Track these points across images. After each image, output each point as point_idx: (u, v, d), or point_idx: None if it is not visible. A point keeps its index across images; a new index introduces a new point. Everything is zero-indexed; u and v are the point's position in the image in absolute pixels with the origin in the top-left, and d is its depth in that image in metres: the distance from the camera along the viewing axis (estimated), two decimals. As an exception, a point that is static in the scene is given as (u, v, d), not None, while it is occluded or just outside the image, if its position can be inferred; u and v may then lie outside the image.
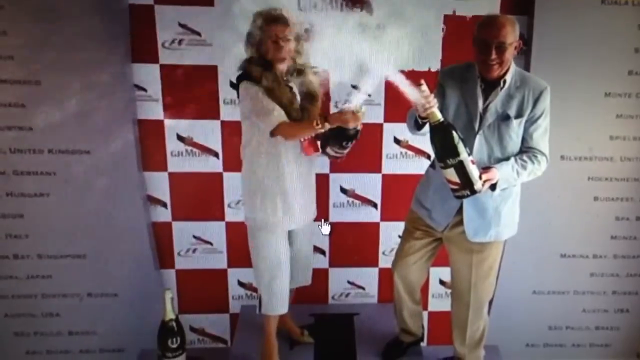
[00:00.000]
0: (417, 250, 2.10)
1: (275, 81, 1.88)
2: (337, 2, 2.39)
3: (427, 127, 1.76)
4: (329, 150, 1.94)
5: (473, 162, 1.69)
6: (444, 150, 1.67)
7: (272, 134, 1.87)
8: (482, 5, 2.36)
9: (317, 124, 1.76)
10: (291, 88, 1.96)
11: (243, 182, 2.08)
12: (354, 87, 2.49)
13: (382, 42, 2.44)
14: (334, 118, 1.78)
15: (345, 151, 1.91)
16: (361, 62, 2.51)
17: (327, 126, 1.78)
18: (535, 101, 1.80)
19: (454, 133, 1.65)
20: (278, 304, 2.10)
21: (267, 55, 1.88)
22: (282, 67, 1.91)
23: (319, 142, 1.95)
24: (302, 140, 1.95)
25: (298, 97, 1.97)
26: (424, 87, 1.61)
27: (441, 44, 2.45)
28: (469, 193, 1.71)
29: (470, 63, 1.86)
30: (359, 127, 1.81)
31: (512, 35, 1.73)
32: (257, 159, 1.98)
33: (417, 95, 1.62)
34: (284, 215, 2.01)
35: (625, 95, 2.50)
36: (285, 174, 1.97)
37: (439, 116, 1.66)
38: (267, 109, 1.84)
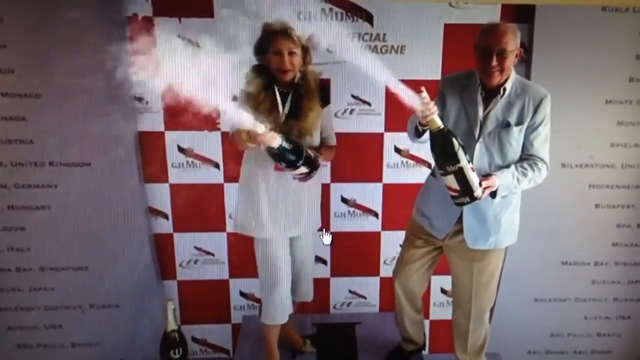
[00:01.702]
0: (417, 259, 2.11)
1: (260, 89, 1.89)
2: (337, 12, 2.38)
3: (427, 135, 1.75)
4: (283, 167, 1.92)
5: (473, 170, 1.69)
6: (444, 157, 1.67)
7: (232, 137, 1.90)
8: (483, 14, 2.35)
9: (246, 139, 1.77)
10: (276, 101, 1.94)
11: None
12: (355, 97, 2.51)
13: (383, 51, 2.45)
14: (234, 137, 1.83)
15: (297, 172, 1.88)
16: (361, 71, 2.52)
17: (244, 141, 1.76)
18: (536, 109, 1.80)
19: (454, 140, 1.65)
20: (277, 313, 2.10)
21: (271, 66, 1.89)
22: (286, 78, 1.91)
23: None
24: None
25: (285, 110, 1.95)
26: (424, 94, 1.61)
27: (442, 53, 2.45)
28: (468, 200, 1.71)
29: (471, 71, 1.86)
30: (306, 154, 1.82)
31: (513, 42, 1.73)
32: (244, 167, 2.04)
33: (417, 102, 1.62)
34: (256, 223, 2.02)
35: (626, 102, 2.50)
36: (256, 184, 2.00)
37: (439, 123, 1.65)
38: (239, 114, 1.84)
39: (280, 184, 2.00)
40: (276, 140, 1.74)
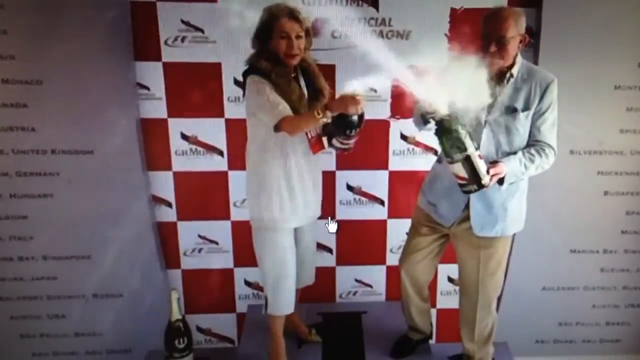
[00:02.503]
0: (424, 247, 2.09)
1: (286, 77, 1.86)
2: (343, -4, 2.37)
3: (434, 123, 1.73)
4: (335, 142, 1.90)
5: (480, 157, 1.68)
6: (451, 145, 1.66)
7: (277, 128, 1.83)
8: (490, -2, 2.34)
9: (319, 114, 1.73)
10: (300, 85, 1.93)
11: (248, 180, 2.05)
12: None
13: (388, 36, 2.42)
14: (334, 105, 1.74)
15: (352, 141, 1.87)
16: (367, 57, 2.49)
17: (329, 115, 1.73)
18: (543, 94, 1.79)
19: (460, 127, 1.64)
20: (284, 304, 2.08)
21: (278, 52, 1.85)
22: (293, 63, 1.88)
23: (324, 139, 1.92)
24: (308, 137, 1.93)
25: (306, 94, 1.94)
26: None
27: (448, 38, 2.42)
28: (476, 188, 1.70)
29: (477, 57, 1.83)
30: (362, 112, 1.76)
31: (514, 28, 1.71)
32: (263, 156, 1.95)
33: (422, 90, 1.60)
34: (291, 214, 1.98)
35: (636, 88, 2.47)
36: (292, 171, 1.94)
37: (445, 110, 1.64)
38: (272, 103, 1.81)
39: (306, 172, 1.98)
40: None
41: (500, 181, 1.77)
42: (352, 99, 1.70)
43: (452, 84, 1.83)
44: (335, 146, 1.93)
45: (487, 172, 1.70)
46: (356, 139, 1.87)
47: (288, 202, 1.97)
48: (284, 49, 1.83)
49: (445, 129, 1.66)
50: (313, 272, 2.27)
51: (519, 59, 1.80)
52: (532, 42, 2.41)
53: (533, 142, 1.84)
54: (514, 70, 1.79)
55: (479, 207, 1.89)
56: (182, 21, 2.34)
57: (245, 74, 1.89)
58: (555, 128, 1.85)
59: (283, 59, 1.85)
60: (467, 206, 1.91)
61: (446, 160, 1.72)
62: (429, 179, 2.07)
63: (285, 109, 1.81)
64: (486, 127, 1.81)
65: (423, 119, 1.78)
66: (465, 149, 1.64)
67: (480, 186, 1.70)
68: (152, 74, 2.41)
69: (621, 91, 2.47)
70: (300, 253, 2.12)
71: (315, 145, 1.93)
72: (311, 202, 2.04)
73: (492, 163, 1.75)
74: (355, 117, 1.75)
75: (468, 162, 1.66)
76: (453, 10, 2.38)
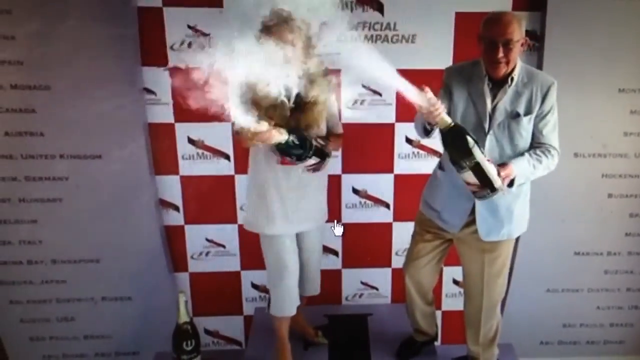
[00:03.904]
0: (427, 252, 2.09)
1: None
2: (347, 1, 2.36)
3: (436, 132, 1.73)
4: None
5: (490, 161, 1.66)
6: (459, 153, 1.64)
7: (237, 133, 1.83)
8: (495, 2, 2.32)
9: (250, 139, 1.75)
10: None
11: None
12: (365, 87, 2.49)
13: (393, 40, 2.43)
14: (238, 134, 1.76)
15: (303, 163, 1.87)
16: (372, 61, 2.48)
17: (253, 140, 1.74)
18: (544, 97, 1.78)
19: (467, 136, 1.62)
20: (286, 305, 2.10)
21: None
22: None
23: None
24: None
25: (287, 103, 1.85)
26: (430, 94, 1.58)
27: (453, 42, 2.43)
28: (489, 192, 1.68)
29: (476, 61, 1.84)
30: (310, 146, 1.80)
31: (518, 32, 1.70)
32: (253, 163, 2.00)
33: (423, 102, 1.58)
34: (267, 221, 1.99)
35: (639, 91, 2.47)
36: (265, 179, 1.96)
37: (449, 120, 1.62)
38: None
39: (288, 179, 1.97)
40: (282, 136, 1.71)
41: (510, 183, 1.75)
42: (264, 136, 1.71)
43: (452, 89, 1.82)
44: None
45: (499, 175, 1.67)
46: (310, 163, 1.87)
47: (263, 209, 1.99)
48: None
49: (451, 139, 1.64)
50: (318, 280, 2.27)
51: (519, 63, 1.79)
52: (536, 46, 2.42)
53: (537, 145, 1.83)
54: (515, 75, 1.78)
55: (485, 213, 1.89)
56: (189, 26, 2.36)
57: None
58: (556, 130, 1.84)
59: None
60: (472, 212, 1.90)
61: (455, 169, 1.70)
62: (429, 185, 2.06)
63: (243, 121, 1.76)
64: (489, 134, 1.81)
65: (425, 129, 1.77)
66: (474, 157, 1.62)
67: (494, 190, 1.67)
68: (158, 79, 2.42)
69: (625, 94, 2.47)
70: (303, 258, 2.14)
71: (283, 158, 1.90)
72: (305, 210, 2.03)
73: (501, 165, 1.73)
74: (289, 146, 1.76)
75: (478, 168, 1.64)
76: (458, 14, 2.39)
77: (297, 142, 1.77)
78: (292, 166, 1.92)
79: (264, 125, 1.67)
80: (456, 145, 1.64)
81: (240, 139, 1.84)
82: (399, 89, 1.59)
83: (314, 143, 1.84)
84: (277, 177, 1.96)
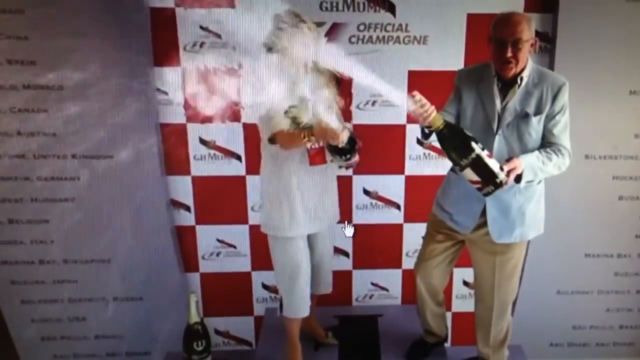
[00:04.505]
0: (439, 253, 2.10)
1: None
2: (360, 2, 2.37)
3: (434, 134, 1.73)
4: (334, 160, 1.92)
5: (490, 156, 1.66)
6: (456, 151, 1.64)
7: (271, 141, 1.86)
8: (507, 3, 2.32)
9: (304, 137, 1.77)
10: None
11: (260, 186, 2.09)
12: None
13: (405, 42, 2.43)
14: (317, 134, 1.78)
15: (349, 162, 1.89)
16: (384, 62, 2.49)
17: (314, 140, 1.79)
18: (554, 97, 1.78)
19: (462, 131, 1.63)
20: (299, 307, 2.10)
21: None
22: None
23: (327, 153, 1.94)
24: (308, 150, 1.93)
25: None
26: (418, 97, 1.59)
27: (464, 43, 2.43)
28: (493, 188, 1.66)
29: (486, 63, 1.84)
30: (352, 139, 1.81)
31: (527, 32, 1.71)
32: (267, 165, 2.00)
33: (413, 106, 1.60)
34: (291, 223, 2.00)
35: (651, 93, 2.48)
36: (289, 180, 1.96)
37: (441, 120, 1.62)
38: (268, 114, 1.83)
39: (311, 180, 1.98)
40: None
41: (518, 179, 1.72)
42: (331, 133, 1.73)
43: (462, 92, 1.83)
44: (337, 163, 1.95)
45: (501, 169, 1.66)
46: (356, 158, 1.88)
47: (287, 211, 1.99)
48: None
49: (446, 138, 1.65)
50: (330, 280, 2.27)
51: (530, 63, 1.79)
52: (548, 48, 2.42)
53: (548, 144, 1.82)
54: (525, 75, 1.78)
55: (496, 214, 1.88)
56: (201, 27, 2.36)
57: None
58: (567, 130, 1.83)
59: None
60: (483, 213, 1.90)
61: (456, 169, 1.70)
62: (443, 186, 2.07)
63: (279, 123, 1.82)
64: (498, 134, 1.81)
65: (424, 133, 1.77)
66: (471, 152, 1.62)
67: (497, 185, 1.65)
68: (171, 80, 2.43)
69: (636, 96, 2.47)
70: (315, 259, 2.14)
71: (315, 158, 1.93)
72: (316, 211, 2.03)
73: (508, 160, 1.72)
74: (344, 145, 1.78)
75: (478, 164, 1.63)
76: (470, 15, 2.39)
77: (349, 139, 1.80)
78: (315, 167, 1.93)
79: (337, 125, 1.70)
80: (452, 143, 1.64)
81: (284, 140, 1.84)
82: (384, 94, 1.64)
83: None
84: (301, 178, 1.96)
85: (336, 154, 1.84)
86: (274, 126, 1.83)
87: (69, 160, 2.43)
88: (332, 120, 1.72)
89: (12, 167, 2.42)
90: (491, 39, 1.76)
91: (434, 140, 2.44)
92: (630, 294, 2.76)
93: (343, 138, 1.75)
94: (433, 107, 1.62)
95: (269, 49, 1.86)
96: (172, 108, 2.47)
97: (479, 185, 1.68)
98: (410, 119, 2.52)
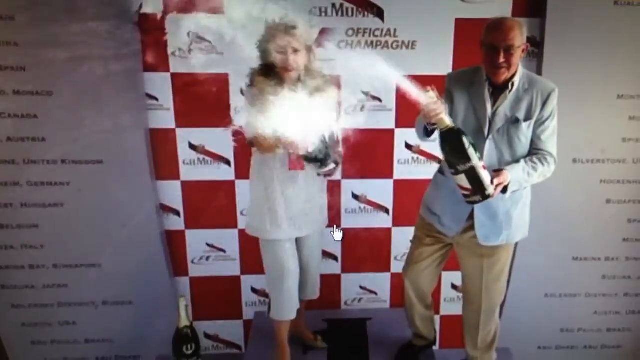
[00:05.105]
0: (427, 256, 2.10)
1: (269, 90, 1.84)
2: (348, 7, 2.37)
3: (436, 134, 1.74)
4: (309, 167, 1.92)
5: (484, 168, 1.67)
6: (455, 156, 1.65)
7: (251, 144, 1.87)
8: (494, 9, 2.33)
9: (277, 147, 1.80)
10: None
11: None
12: (365, 93, 2.50)
13: (394, 46, 2.44)
14: (284, 142, 1.80)
15: (322, 170, 1.88)
16: (372, 67, 2.49)
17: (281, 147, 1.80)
18: (544, 103, 1.79)
19: (465, 139, 1.63)
20: (286, 309, 2.11)
21: (277, 66, 1.86)
22: (289, 77, 1.87)
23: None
24: (289, 155, 1.93)
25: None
26: (432, 93, 1.60)
27: (453, 48, 2.44)
28: (480, 199, 1.69)
29: (477, 67, 1.85)
30: (332, 152, 1.83)
31: (520, 38, 1.71)
32: (254, 168, 2.01)
33: (425, 101, 1.60)
34: (272, 227, 2.01)
35: (638, 97, 2.49)
36: (273, 184, 1.97)
37: (449, 122, 1.63)
38: (249, 118, 1.83)
39: (294, 184, 1.98)
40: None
41: (504, 190, 1.76)
42: (289, 143, 1.75)
43: (453, 95, 1.84)
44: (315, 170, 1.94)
45: (492, 182, 1.68)
46: (330, 167, 1.87)
47: (268, 215, 2.00)
48: (279, 63, 1.83)
49: (448, 141, 1.66)
50: (317, 285, 2.27)
51: (520, 69, 1.80)
52: (536, 52, 2.43)
53: (534, 151, 1.84)
54: (515, 80, 1.78)
55: (483, 218, 1.90)
56: (189, 33, 2.37)
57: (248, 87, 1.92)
58: (555, 136, 1.85)
59: (280, 73, 1.85)
60: (470, 216, 1.91)
61: (450, 172, 1.72)
62: (430, 189, 2.08)
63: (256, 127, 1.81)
64: (489, 139, 1.81)
65: (426, 131, 1.78)
66: (469, 161, 1.63)
67: (485, 197, 1.68)
68: (160, 85, 2.44)
69: (624, 100, 2.49)
70: (303, 262, 2.15)
71: (294, 164, 1.93)
72: (309, 214, 2.04)
73: (496, 172, 1.74)
74: (316, 156, 1.79)
75: (472, 173, 1.65)
76: (458, 20, 2.40)
77: (322, 148, 1.80)
78: (298, 171, 1.94)
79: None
80: (454, 147, 1.65)
81: (259, 144, 1.86)
82: (401, 85, 1.61)
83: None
84: (283, 182, 1.97)
85: (309, 161, 1.85)
86: (252, 130, 1.83)
87: (59, 165, 2.44)
88: (298, 129, 1.72)
89: (1, 173, 2.43)
90: (483, 43, 1.76)
91: (424, 143, 2.52)
92: (618, 296, 2.77)
93: (306, 148, 1.75)
94: (444, 106, 1.63)
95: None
96: (162, 113, 2.48)
97: (467, 193, 1.70)
98: (399, 124, 2.56)
